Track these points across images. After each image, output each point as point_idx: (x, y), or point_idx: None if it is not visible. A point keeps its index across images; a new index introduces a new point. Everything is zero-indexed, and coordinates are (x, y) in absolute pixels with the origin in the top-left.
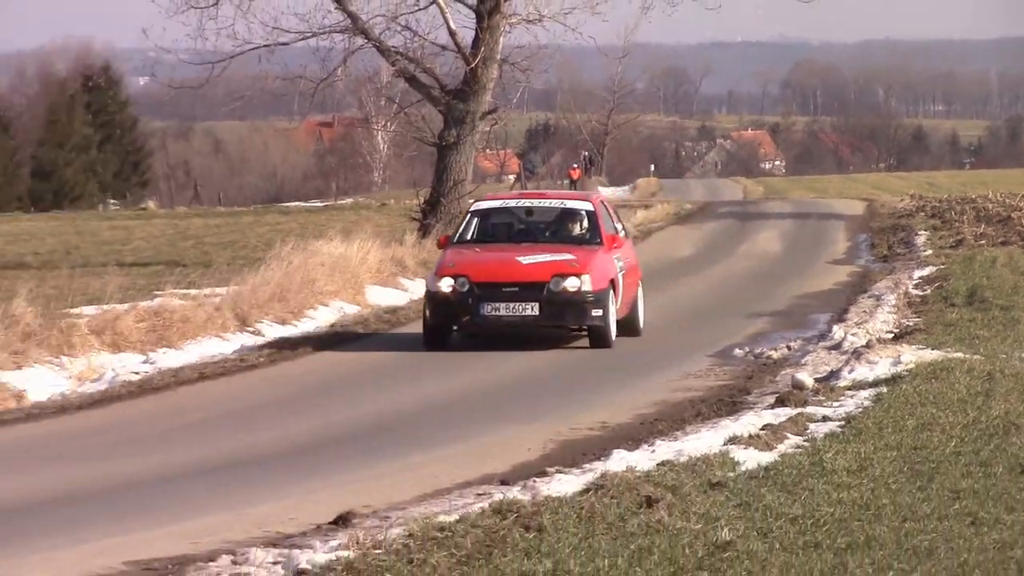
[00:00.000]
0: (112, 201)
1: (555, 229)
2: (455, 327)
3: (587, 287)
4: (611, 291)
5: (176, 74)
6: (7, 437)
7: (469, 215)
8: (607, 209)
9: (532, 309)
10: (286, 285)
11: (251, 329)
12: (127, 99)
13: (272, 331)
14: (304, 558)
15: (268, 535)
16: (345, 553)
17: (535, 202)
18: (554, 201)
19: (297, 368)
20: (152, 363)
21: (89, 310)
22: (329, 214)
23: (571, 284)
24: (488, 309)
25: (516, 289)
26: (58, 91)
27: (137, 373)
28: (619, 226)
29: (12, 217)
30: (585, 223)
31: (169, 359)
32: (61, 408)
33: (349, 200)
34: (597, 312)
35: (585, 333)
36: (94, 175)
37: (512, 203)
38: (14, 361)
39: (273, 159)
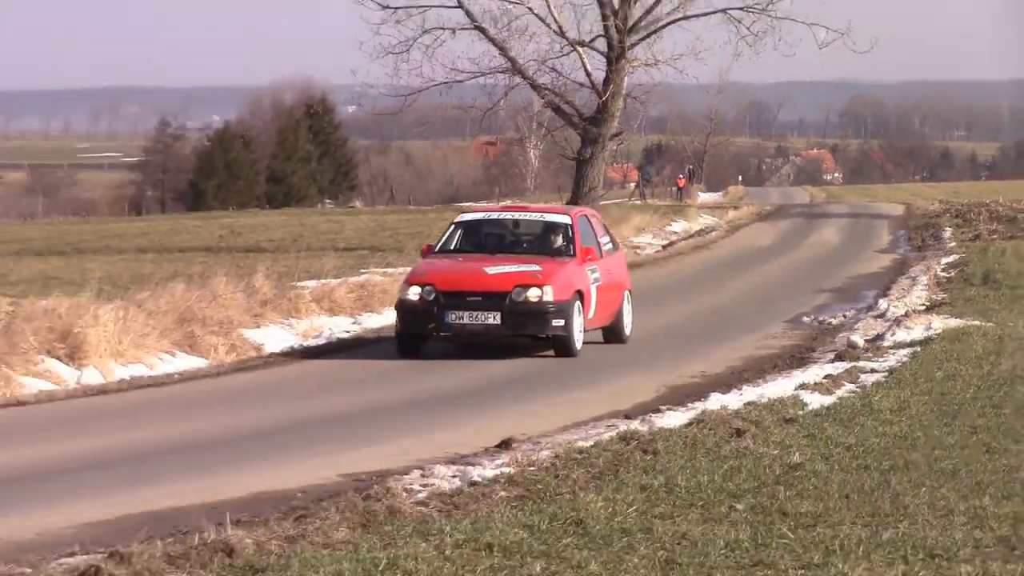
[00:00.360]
0: (328, 201)
1: (532, 241)
2: (422, 335)
3: (548, 297)
4: (577, 302)
5: (377, 104)
6: (250, 379)
7: (452, 226)
8: (591, 224)
9: (494, 318)
10: None
11: None
12: (339, 123)
13: None
14: (476, 473)
15: (448, 455)
16: (507, 469)
17: (516, 215)
18: (534, 214)
19: None
20: (359, 324)
21: (311, 283)
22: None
23: (533, 294)
24: (452, 317)
25: (479, 298)
26: (287, 117)
27: (348, 332)
28: (604, 240)
29: (252, 213)
30: (561, 236)
31: (372, 321)
32: (290, 358)
33: (508, 201)
34: (558, 322)
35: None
36: (314, 181)
37: (494, 215)
38: (254, 321)
39: (450, 169)
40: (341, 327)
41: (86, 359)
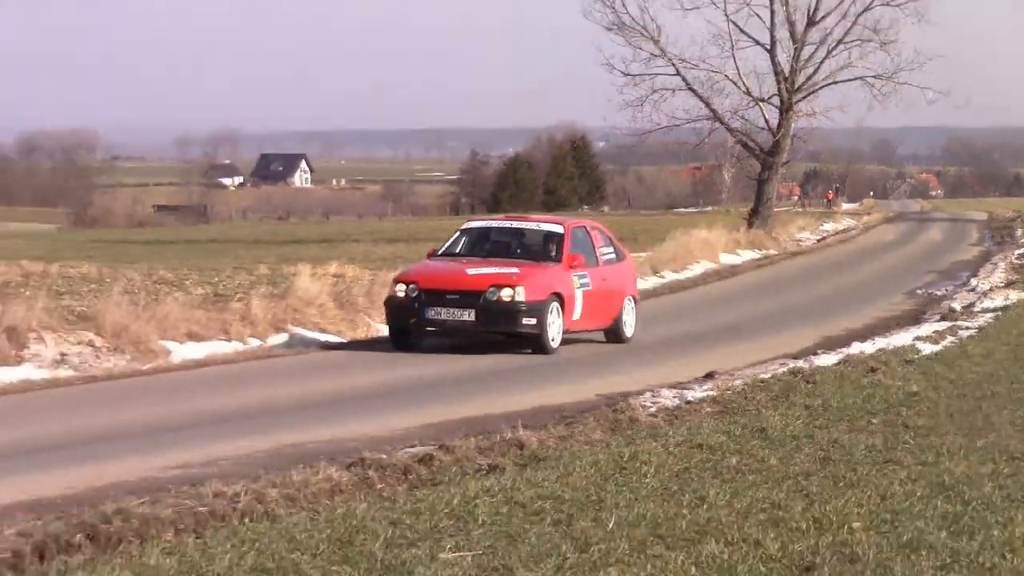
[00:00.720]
0: (585, 207)
1: (526, 248)
2: (406, 329)
3: (520, 297)
4: (554, 304)
5: (619, 140)
6: None
7: (458, 232)
8: (589, 235)
9: (469, 315)
10: (676, 252)
11: (658, 275)
12: (594, 153)
13: (670, 276)
14: (690, 394)
15: (670, 382)
16: (711, 392)
17: (515, 224)
18: (531, 224)
19: (686, 295)
20: None
21: None
22: (699, 216)
23: (505, 294)
24: (432, 313)
25: (457, 296)
26: (558, 148)
27: None
28: (605, 250)
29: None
30: (552, 244)
31: None
32: None
33: (709, 208)
34: (530, 321)
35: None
36: (575, 192)
37: (495, 224)
38: None
39: (669, 186)
40: None
41: None
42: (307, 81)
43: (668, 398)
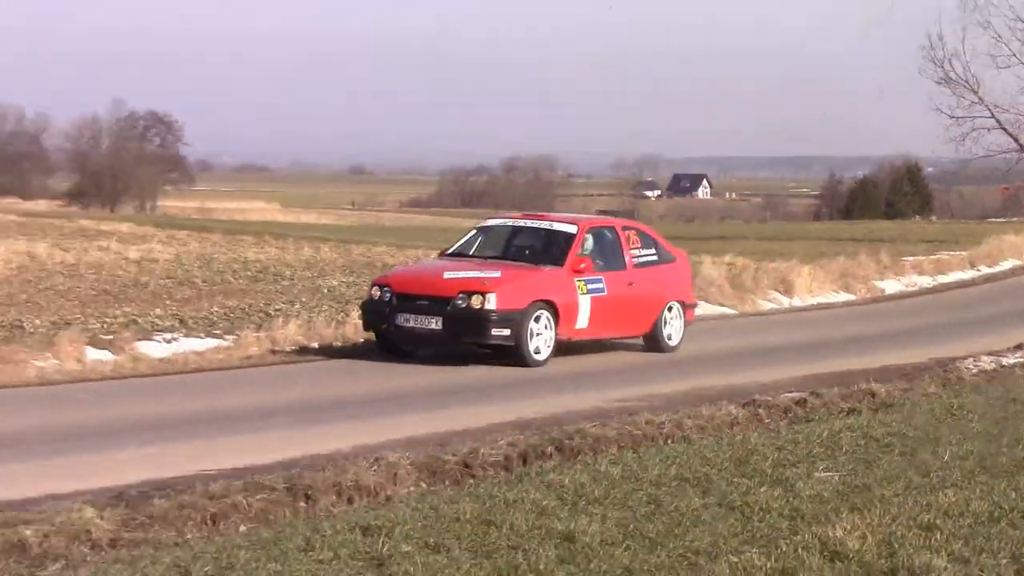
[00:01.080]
0: (916, 217)
1: (535, 248)
2: (381, 334)
3: (490, 305)
4: (537, 312)
5: (945, 167)
6: (880, 307)
7: (474, 231)
8: (618, 236)
9: (436, 323)
10: (990, 252)
11: (975, 268)
12: (924, 176)
13: (984, 270)
14: (1004, 360)
15: (987, 351)
16: (1022, 359)
17: (529, 223)
18: (543, 223)
19: (995, 285)
20: (935, 280)
21: (909, 258)
22: (1007, 225)
23: (475, 301)
24: (401, 319)
25: (427, 302)
26: (897, 172)
27: (928, 285)
28: (640, 252)
29: (877, 222)
30: (560, 245)
31: (944, 279)
32: (893, 297)
33: (1015, 219)
34: (501, 331)
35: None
36: (910, 206)
37: (509, 223)
38: (880, 276)
39: (985, 202)
40: (925, 282)
41: (793, 293)
42: (712, 119)
43: (986, 363)
